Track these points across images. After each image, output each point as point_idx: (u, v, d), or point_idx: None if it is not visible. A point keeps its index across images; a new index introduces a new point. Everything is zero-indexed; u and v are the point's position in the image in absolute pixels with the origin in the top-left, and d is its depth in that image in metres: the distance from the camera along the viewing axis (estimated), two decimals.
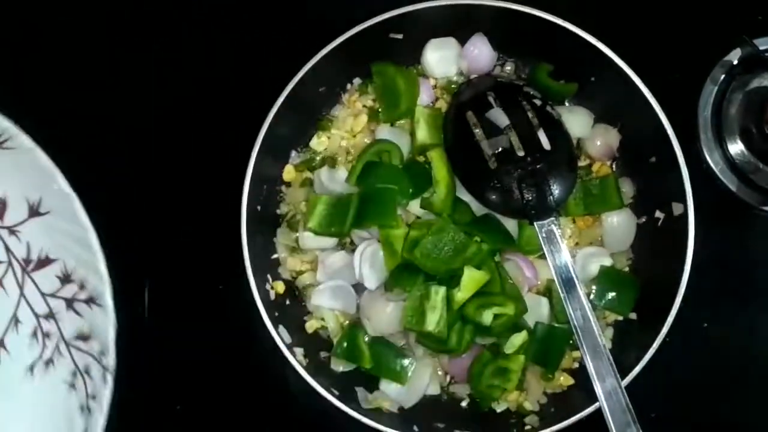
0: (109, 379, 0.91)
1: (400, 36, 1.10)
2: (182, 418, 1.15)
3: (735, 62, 1.19)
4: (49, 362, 0.95)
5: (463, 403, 1.11)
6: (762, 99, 1.14)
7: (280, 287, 1.11)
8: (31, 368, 0.96)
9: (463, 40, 1.14)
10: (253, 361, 1.13)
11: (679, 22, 1.21)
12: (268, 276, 1.10)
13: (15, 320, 0.96)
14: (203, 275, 1.16)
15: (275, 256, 1.13)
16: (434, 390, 1.11)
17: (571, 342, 1.10)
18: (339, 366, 1.09)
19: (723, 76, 1.19)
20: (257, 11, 1.21)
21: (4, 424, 0.93)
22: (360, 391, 1.09)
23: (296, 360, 1.03)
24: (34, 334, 0.96)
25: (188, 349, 1.15)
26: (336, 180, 1.10)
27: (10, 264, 0.95)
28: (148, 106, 1.18)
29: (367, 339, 1.09)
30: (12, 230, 0.96)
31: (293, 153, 1.15)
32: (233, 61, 1.20)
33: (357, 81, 1.15)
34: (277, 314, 1.06)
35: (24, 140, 0.92)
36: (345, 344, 1.07)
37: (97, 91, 1.19)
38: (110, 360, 0.90)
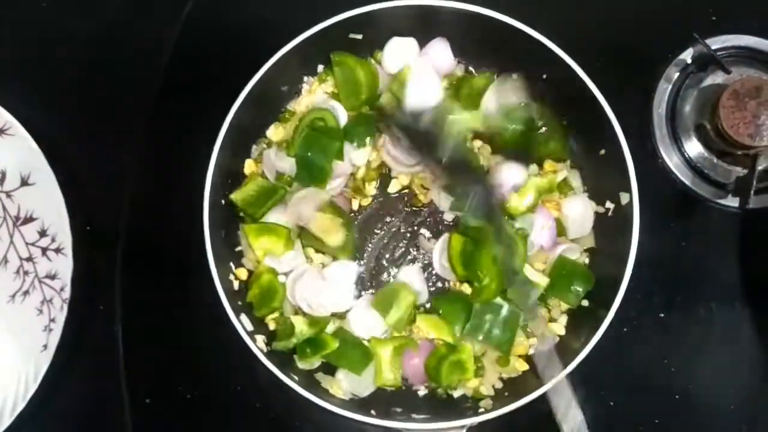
0: (65, 308, 1.14)
1: (359, 36, 1.15)
2: (152, 404, 1.18)
3: (689, 61, 1.23)
4: (26, 293, 1.22)
5: (420, 393, 1.14)
6: (715, 96, 1.17)
7: (243, 274, 1.14)
8: (13, 296, 1.22)
9: (421, 43, 1.19)
10: (220, 346, 1.15)
11: (635, 23, 1.25)
12: (231, 264, 1.14)
13: (5, 260, 1.23)
14: (173, 264, 1.20)
15: (239, 248, 1.17)
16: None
17: (528, 330, 1.13)
18: (306, 365, 1.12)
19: (677, 75, 1.23)
20: (222, 9, 1.27)
21: None
22: (319, 377, 1.12)
23: (256, 347, 1.06)
24: (17, 271, 1.23)
25: (159, 332, 1.19)
26: (285, 159, 1.14)
27: (5, 219, 1.24)
28: (118, 105, 1.25)
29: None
30: (8, 194, 1.23)
31: (254, 147, 1.19)
32: (197, 60, 1.25)
33: (320, 68, 1.20)
34: (240, 303, 1.10)
35: (20, 130, 1.18)
36: (308, 349, 1.10)
37: (78, 92, 1.28)
38: (67, 294, 1.14)
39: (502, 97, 1.14)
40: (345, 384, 1.11)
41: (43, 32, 1.30)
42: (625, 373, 1.17)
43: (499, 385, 1.12)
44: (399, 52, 1.18)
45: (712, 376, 1.17)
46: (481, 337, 1.10)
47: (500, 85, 1.15)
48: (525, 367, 1.12)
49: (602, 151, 1.12)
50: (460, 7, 1.12)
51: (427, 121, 1.09)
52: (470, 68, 1.21)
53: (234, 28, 1.26)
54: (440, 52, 1.18)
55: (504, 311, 1.10)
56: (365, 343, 1.13)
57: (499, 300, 1.11)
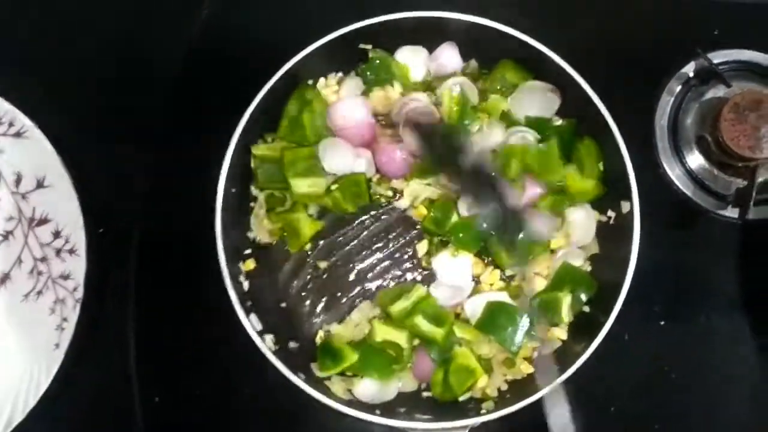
0: (78, 308, 1.16)
1: (369, 47, 1.18)
2: (161, 403, 1.20)
3: (690, 75, 1.25)
4: (40, 293, 1.24)
5: (425, 394, 1.16)
6: (716, 109, 1.19)
7: (251, 265, 1.17)
8: (27, 296, 1.25)
9: (429, 48, 1.22)
10: (230, 347, 1.16)
11: (638, 37, 1.28)
12: (241, 266, 1.16)
13: (19, 260, 1.26)
14: (185, 266, 1.22)
15: (248, 251, 1.19)
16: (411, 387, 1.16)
17: (533, 333, 1.14)
18: (324, 374, 1.14)
19: (679, 88, 1.26)
20: (238, 14, 1.31)
21: (8, 332, 1.24)
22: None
23: (265, 346, 1.08)
24: (31, 271, 1.25)
25: (169, 332, 1.21)
26: None
27: (19, 220, 1.26)
28: (133, 108, 1.27)
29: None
30: (23, 196, 1.26)
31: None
32: (211, 65, 1.28)
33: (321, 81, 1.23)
34: (249, 303, 1.12)
35: (36, 132, 1.20)
36: (329, 361, 1.13)
37: (94, 95, 1.31)
38: (79, 294, 1.17)
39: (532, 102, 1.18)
40: (367, 390, 1.13)
41: (59, 36, 1.33)
42: (625, 379, 1.18)
43: (504, 386, 1.14)
44: (409, 60, 1.21)
45: (712, 384, 1.18)
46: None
47: (532, 88, 1.18)
48: (530, 369, 1.13)
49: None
50: (462, 18, 1.14)
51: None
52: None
53: (248, 33, 1.29)
54: (450, 58, 1.21)
55: (522, 320, 1.12)
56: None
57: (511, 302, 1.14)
